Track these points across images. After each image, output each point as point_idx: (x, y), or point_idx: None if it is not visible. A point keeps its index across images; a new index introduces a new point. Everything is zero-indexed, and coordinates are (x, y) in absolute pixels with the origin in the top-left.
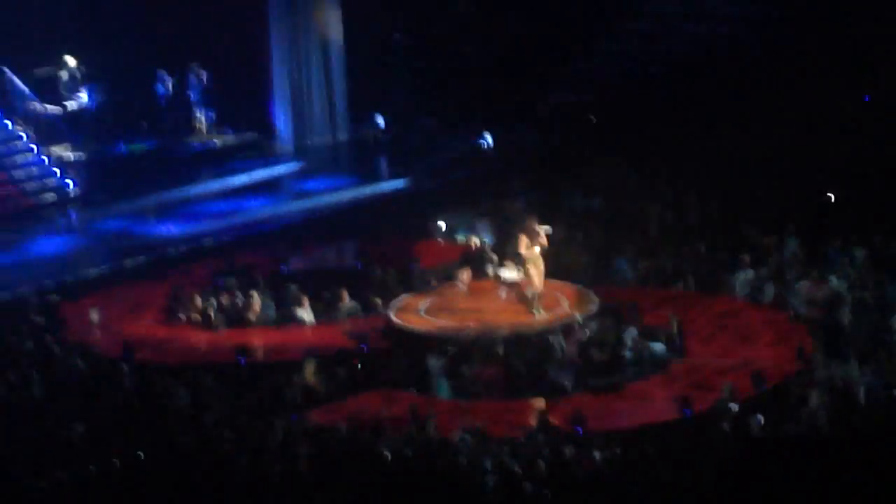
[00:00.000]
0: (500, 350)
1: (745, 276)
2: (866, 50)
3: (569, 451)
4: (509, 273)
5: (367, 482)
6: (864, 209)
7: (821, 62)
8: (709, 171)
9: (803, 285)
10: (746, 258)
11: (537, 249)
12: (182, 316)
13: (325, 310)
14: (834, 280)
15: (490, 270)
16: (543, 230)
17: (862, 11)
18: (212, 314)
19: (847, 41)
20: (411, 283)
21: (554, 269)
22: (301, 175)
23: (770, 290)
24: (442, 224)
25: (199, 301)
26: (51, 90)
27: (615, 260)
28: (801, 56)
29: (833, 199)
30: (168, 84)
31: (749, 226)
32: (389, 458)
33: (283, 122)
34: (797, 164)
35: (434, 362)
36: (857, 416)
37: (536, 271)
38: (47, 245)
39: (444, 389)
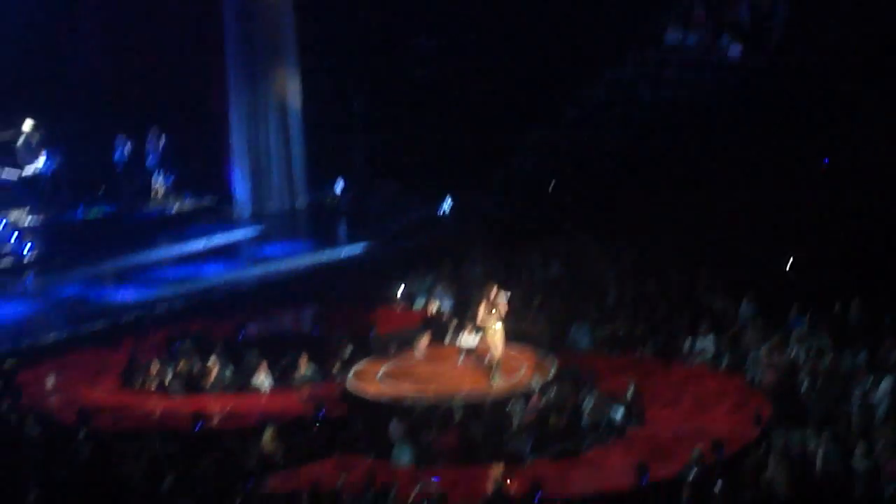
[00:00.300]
0: (458, 417)
1: (703, 343)
2: (825, 113)
3: None
4: (468, 340)
5: None
6: (822, 275)
7: (778, 126)
8: (668, 238)
9: (762, 352)
10: (704, 325)
11: (497, 317)
12: (139, 382)
13: (282, 376)
14: (792, 347)
15: (449, 337)
16: (502, 297)
17: (821, 76)
18: (168, 380)
19: (806, 104)
20: (369, 349)
21: (513, 335)
22: (259, 240)
23: (728, 357)
24: (400, 290)
25: (156, 367)
26: (7, 154)
27: (574, 326)
28: (760, 120)
29: (791, 264)
30: (126, 149)
31: (707, 292)
32: None
33: (241, 186)
34: (755, 229)
35: (393, 429)
36: (814, 485)
37: (495, 338)
38: (3, 310)
39: (403, 456)
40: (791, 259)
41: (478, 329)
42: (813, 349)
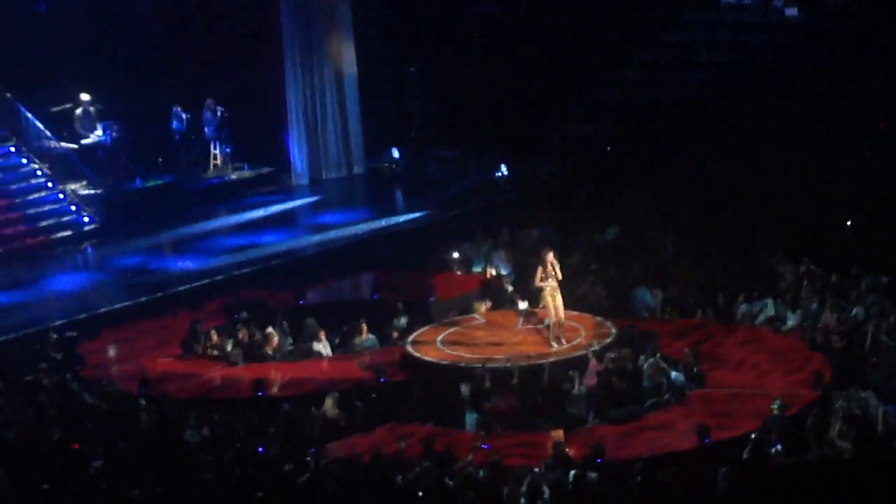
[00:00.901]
0: (517, 381)
1: (762, 305)
2: (881, 75)
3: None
4: (526, 304)
5: None
6: (882, 237)
7: (835, 88)
8: (726, 200)
9: (823, 314)
10: (764, 287)
11: (554, 281)
12: (200, 351)
13: (342, 343)
14: (853, 309)
15: (507, 302)
16: (557, 262)
17: (874, 37)
18: (228, 349)
19: (859, 65)
20: (428, 315)
21: (572, 300)
22: (317, 209)
23: (788, 319)
24: (458, 255)
25: (216, 336)
26: (66, 127)
27: (633, 290)
28: (816, 82)
29: (851, 225)
30: (183, 120)
31: (767, 254)
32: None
33: (298, 155)
34: (814, 191)
35: (464, 392)
36: (877, 443)
37: (554, 303)
38: (64, 281)
39: (469, 421)
40: (850, 221)
41: (536, 294)
42: (874, 310)
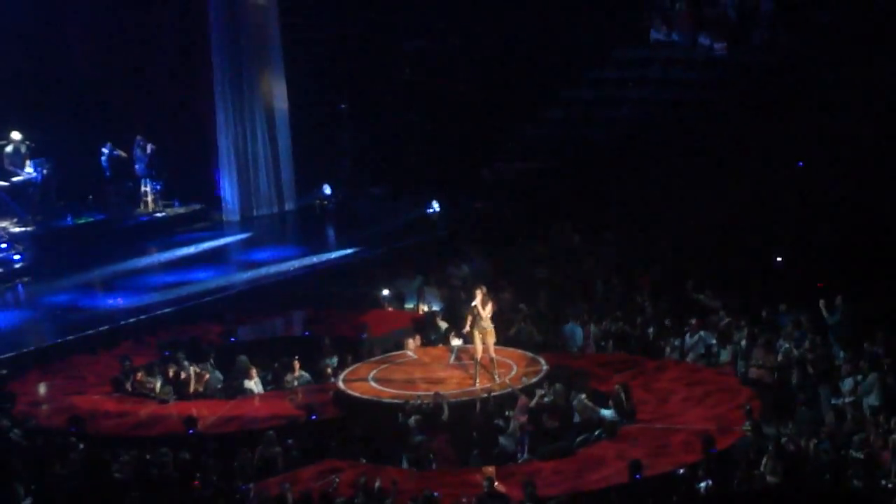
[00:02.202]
0: (448, 418)
1: (693, 340)
2: (806, 110)
3: None
4: (457, 340)
5: None
6: (809, 271)
7: (761, 122)
8: (656, 235)
9: (753, 349)
10: (694, 322)
11: (485, 318)
12: (130, 388)
13: (273, 379)
14: (783, 344)
15: (439, 338)
16: (489, 298)
17: (803, 71)
18: (159, 386)
19: (787, 99)
20: (360, 351)
21: (504, 335)
22: (248, 245)
23: (721, 354)
24: (390, 292)
25: (146, 374)
26: None
27: (564, 325)
28: (743, 117)
29: (781, 262)
30: (111, 155)
31: (696, 288)
32: None
33: (229, 191)
34: (743, 228)
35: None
36: (806, 477)
37: (485, 339)
38: None
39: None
40: (779, 256)
41: (467, 329)
42: (802, 345)
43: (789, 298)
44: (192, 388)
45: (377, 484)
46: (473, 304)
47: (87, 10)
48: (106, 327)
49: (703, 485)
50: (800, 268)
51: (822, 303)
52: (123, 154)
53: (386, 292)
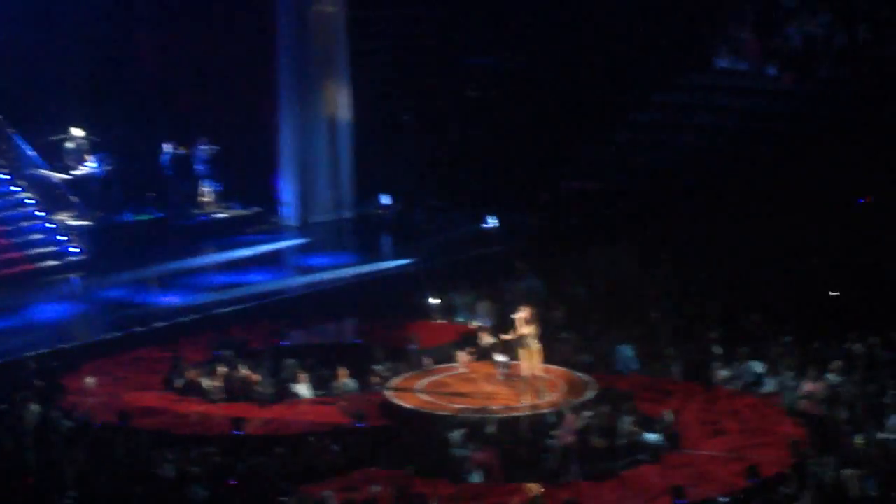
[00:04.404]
0: (495, 433)
1: (742, 368)
2: (868, 150)
3: None
4: (505, 357)
5: None
6: (864, 306)
7: (826, 159)
8: (712, 261)
9: (801, 380)
10: (745, 351)
11: (533, 336)
12: (180, 386)
13: (322, 385)
14: (831, 377)
15: (488, 353)
16: (536, 317)
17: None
18: (210, 386)
19: (850, 140)
20: (409, 362)
21: (553, 355)
22: (304, 250)
23: (768, 384)
24: (442, 304)
25: (197, 373)
26: (60, 157)
27: (614, 347)
28: (807, 151)
29: (836, 296)
30: (172, 155)
31: (749, 319)
32: None
33: (288, 196)
34: (800, 259)
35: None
36: None
37: (532, 357)
38: (49, 311)
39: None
40: (835, 290)
41: (516, 346)
42: (852, 379)
43: (842, 331)
44: (241, 390)
45: (419, 495)
46: (519, 322)
47: (154, 10)
48: (159, 325)
49: None
50: (855, 302)
51: (876, 339)
52: (184, 149)
53: (437, 304)
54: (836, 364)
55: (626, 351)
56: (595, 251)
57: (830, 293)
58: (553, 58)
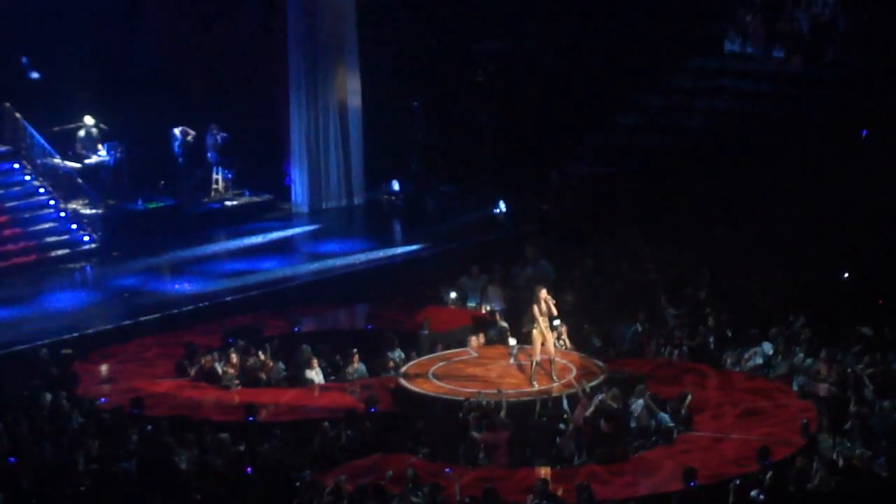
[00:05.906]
0: (505, 416)
1: (754, 351)
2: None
3: None
4: (515, 341)
5: None
6: (877, 289)
7: (832, 143)
8: (721, 245)
9: (813, 363)
10: (756, 333)
11: (545, 319)
12: (193, 373)
13: (334, 371)
14: (842, 358)
15: (500, 337)
16: (551, 300)
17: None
18: (223, 373)
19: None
20: (420, 347)
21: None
22: (315, 237)
23: (779, 366)
24: (453, 289)
25: (210, 359)
26: (71, 146)
27: (624, 329)
28: (814, 133)
29: (847, 276)
30: (182, 141)
31: (760, 301)
32: None
33: (299, 183)
34: (810, 242)
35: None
36: (859, 491)
37: (542, 340)
38: (61, 299)
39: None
40: (847, 273)
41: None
42: (862, 360)
43: (852, 314)
44: (254, 376)
45: (430, 478)
46: (533, 304)
47: None
48: (172, 312)
49: (755, 493)
50: (865, 284)
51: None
52: (192, 133)
53: (448, 290)
54: (847, 345)
55: (634, 333)
56: (604, 235)
57: (842, 275)
58: (562, 42)
